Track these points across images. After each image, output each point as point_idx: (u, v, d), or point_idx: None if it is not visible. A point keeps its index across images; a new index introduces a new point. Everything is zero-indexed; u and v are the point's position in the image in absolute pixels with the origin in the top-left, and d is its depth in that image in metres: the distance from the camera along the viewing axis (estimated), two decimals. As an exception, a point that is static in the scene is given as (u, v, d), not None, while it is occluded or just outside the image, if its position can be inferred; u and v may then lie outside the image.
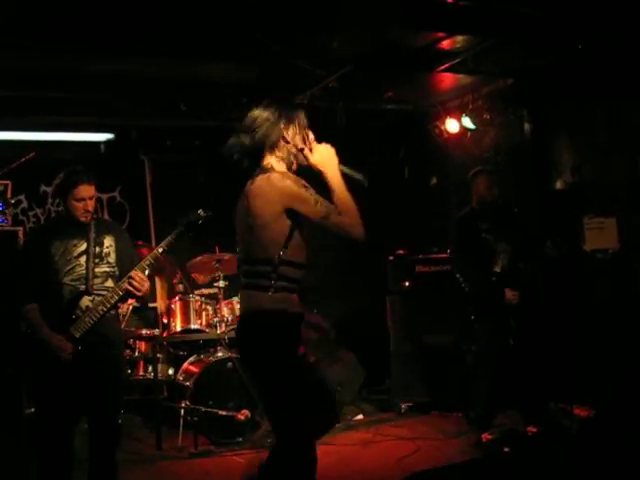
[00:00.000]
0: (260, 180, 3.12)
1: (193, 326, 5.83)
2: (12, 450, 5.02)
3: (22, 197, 6.52)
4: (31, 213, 6.61)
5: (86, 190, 3.84)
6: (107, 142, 6.85)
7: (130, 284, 3.77)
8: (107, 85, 6.03)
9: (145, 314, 6.73)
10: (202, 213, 4.05)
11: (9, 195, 5.65)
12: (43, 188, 6.59)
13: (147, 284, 3.87)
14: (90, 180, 3.85)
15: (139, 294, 3.83)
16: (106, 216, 7.02)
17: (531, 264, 5.19)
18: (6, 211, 5.55)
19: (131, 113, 6.63)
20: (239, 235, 3.23)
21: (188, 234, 4.05)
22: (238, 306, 5.48)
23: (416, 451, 5.07)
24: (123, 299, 4.01)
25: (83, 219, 3.86)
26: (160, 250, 3.88)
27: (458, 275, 5.17)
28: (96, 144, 6.87)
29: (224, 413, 5.38)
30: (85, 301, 3.82)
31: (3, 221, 5.55)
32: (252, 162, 3.23)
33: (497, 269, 5.02)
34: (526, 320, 5.02)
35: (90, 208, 3.87)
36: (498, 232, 5.10)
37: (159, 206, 7.16)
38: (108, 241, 3.96)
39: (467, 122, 6.47)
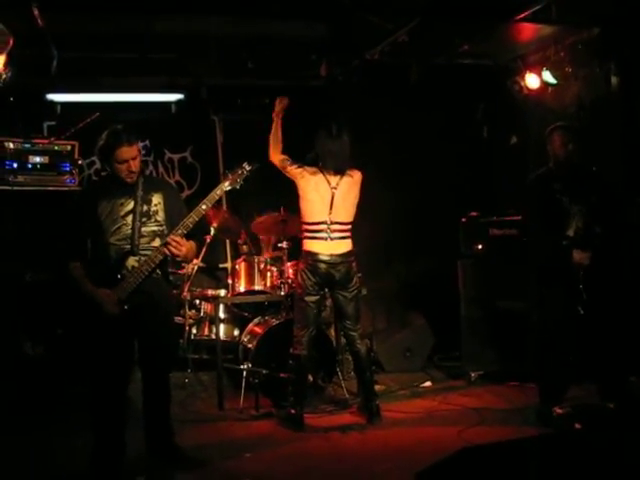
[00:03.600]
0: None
1: (257, 287, 5.78)
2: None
3: (95, 158, 6.61)
4: (104, 174, 6.69)
5: (127, 152, 3.78)
6: (178, 102, 6.82)
7: (167, 248, 3.72)
8: (177, 45, 6.03)
9: (216, 274, 6.78)
10: (247, 166, 3.96)
11: (76, 156, 5.69)
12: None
13: (186, 248, 3.81)
14: (131, 141, 3.79)
15: (178, 258, 3.78)
16: (177, 177, 7.06)
17: (609, 228, 4.80)
18: (73, 171, 5.59)
19: (201, 73, 6.59)
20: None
21: (235, 188, 3.97)
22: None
23: (480, 423, 4.87)
24: (175, 263, 3.98)
25: (129, 180, 3.82)
26: (203, 207, 3.81)
27: (526, 238, 4.86)
28: (167, 104, 6.85)
29: (285, 376, 5.32)
30: (131, 261, 3.80)
31: (71, 181, 5.60)
32: None
33: (570, 232, 4.69)
34: (599, 286, 4.68)
35: (134, 168, 3.82)
36: (573, 193, 4.75)
37: (230, 166, 7.07)
38: (156, 199, 3.92)
39: (548, 76, 6.05)
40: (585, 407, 4.91)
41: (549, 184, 4.82)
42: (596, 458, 3.76)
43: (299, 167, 4.97)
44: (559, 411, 4.77)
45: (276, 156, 5.08)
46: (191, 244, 3.91)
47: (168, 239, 3.76)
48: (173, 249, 3.74)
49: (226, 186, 4.02)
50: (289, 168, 5.00)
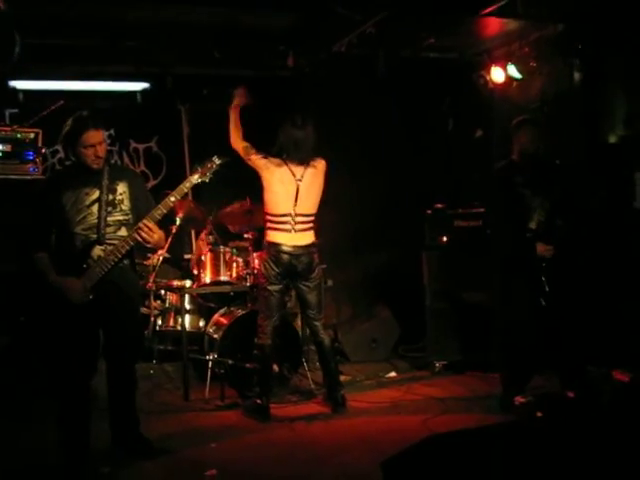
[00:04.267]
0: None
1: (223, 278, 5.76)
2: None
3: (58, 147, 6.52)
4: (68, 163, 6.61)
5: (94, 136, 3.75)
6: (143, 91, 6.76)
7: (138, 234, 3.70)
8: (143, 33, 5.96)
9: (180, 265, 6.74)
10: (217, 160, 3.95)
11: (40, 144, 5.61)
12: (79, 138, 6.56)
13: (157, 234, 3.79)
14: (97, 125, 3.76)
15: (148, 245, 3.76)
16: (142, 167, 7.00)
17: (569, 220, 4.89)
18: (37, 160, 5.51)
19: (167, 62, 6.54)
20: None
21: (203, 181, 3.96)
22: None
23: (444, 412, 4.94)
24: (145, 250, 3.96)
25: (95, 166, 3.79)
26: (172, 199, 3.80)
27: (488, 231, 4.93)
28: (132, 94, 6.78)
29: (251, 366, 5.32)
30: (97, 251, 3.77)
31: (34, 170, 5.53)
32: None
33: (532, 225, 4.76)
34: (561, 278, 4.76)
35: (100, 154, 3.79)
36: (536, 186, 4.81)
37: (196, 156, 7.02)
38: (122, 187, 3.89)
39: (513, 71, 6.14)
40: (546, 396, 5.00)
41: (511, 177, 4.87)
42: (555, 445, 3.84)
43: (263, 158, 4.95)
44: (521, 400, 4.86)
45: (238, 143, 5.03)
46: (161, 232, 3.89)
47: (140, 224, 3.74)
48: (145, 235, 3.73)
49: (195, 179, 4.00)
50: (253, 157, 4.97)
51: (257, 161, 4.95)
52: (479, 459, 3.01)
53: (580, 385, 4.96)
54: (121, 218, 3.86)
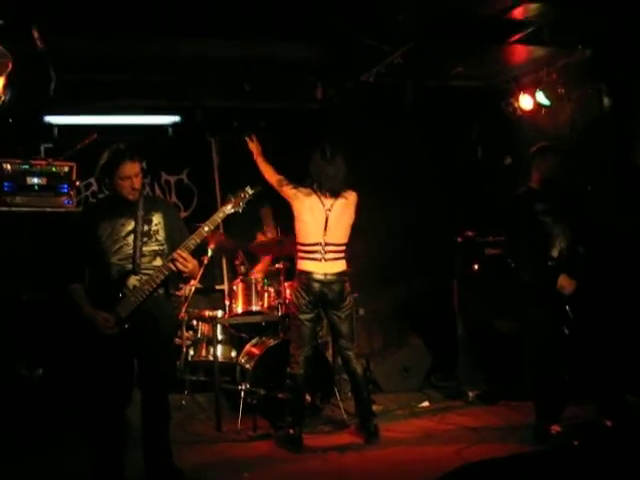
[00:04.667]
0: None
1: (254, 308, 5.78)
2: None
3: (92, 180, 6.64)
4: (101, 196, 6.72)
5: (131, 168, 3.81)
6: (174, 125, 6.87)
7: (173, 264, 3.74)
8: (174, 67, 6.05)
9: (212, 296, 6.77)
10: (249, 190, 3.99)
11: (74, 177, 5.72)
12: (112, 171, 6.66)
13: (192, 264, 3.82)
14: (134, 157, 3.83)
15: (184, 274, 3.80)
16: (174, 198, 7.08)
17: (592, 248, 4.82)
18: (71, 192, 5.62)
19: (198, 95, 6.65)
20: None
21: (237, 211, 4.00)
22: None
23: (478, 442, 4.87)
24: (180, 279, 4.00)
25: (131, 197, 3.84)
26: (206, 229, 3.83)
27: (510, 260, 4.89)
28: (164, 127, 6.89)
29: (283, 396, 5.30)
30: (132, 280, 3.81)
31: (68, 202, 5.63)
32: None
33: (554, 254, 4.71)
34: (585, 307, 4.69)
35: (137, 186, 3.85)
36: (557, 214, 4.77)
37: (226, 188, 7.12)
38: (157, 218, 3.94)
39: (541, 97, 6.14)
40: (582, 425, 4.92)
41: (532, 204, 4.83)
42: (593, 475, 3.76)
43: (294, 188, 5.03)
44: (557, 429, 4.78)
45: (272, 177, 5.15)
46: (195, 261, 3.93)
47: (175, 255, 3.78)
48: (180, 265, 3.77)
49: (229, 209, 4.04)
50: (285, 188, 5.06)
51: (288, 191, 5.03)
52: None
53: (618, 413, 4.87)
54: (156, 248, 3.91)
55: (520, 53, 5.98)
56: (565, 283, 4.66)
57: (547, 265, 4.71)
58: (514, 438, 4.88)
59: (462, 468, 3.43)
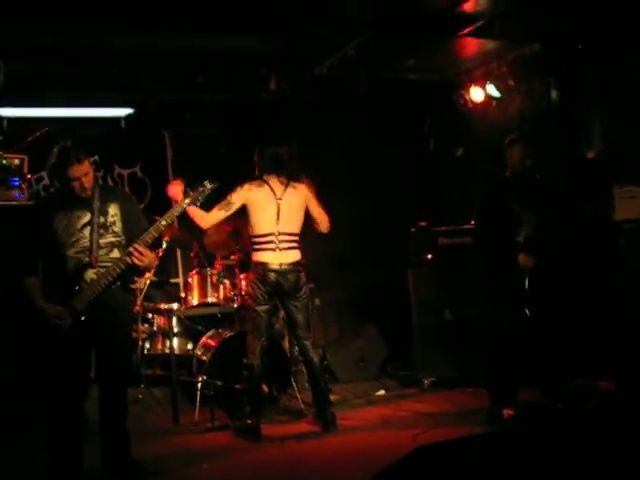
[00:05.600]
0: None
1: (210, 300, 5.77)
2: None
3: (43, 174, 6.53)
4: (52, 190, 6.62)
5: (78, 170, 3.77)
6: (127, 117, 6.78)
7: (130, 258, 3.73)
8: (127, 60, 5.99)
9: (167, 289, 6.74)
10: (208, 185, 3.99)
11: (25, 170, 5.63)
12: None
13: (148, 258, 3.82)
14: (81, 158, 3.78)
15: (140, 268, 3.79)
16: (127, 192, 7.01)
17: (556, 234, 4.98)
18: (22, 186, 5.53)
19: (151, 88, 6.58)
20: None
21: (195, 205, 4.00)
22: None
23: (434, 427, 4.96)
24: (136, 273, 3.98)
25: (83, 195, 3.82)
26: (163, 223, 3.83)
27: (475, 243, 5.02)
28: (116, 119, 6.80)
29: (240, 387, 5.32)
30: (89, 273, 3.79)
31: (20, 195, 5.54)
32: None
33: (520, 239, 4.85)
34: (544, 290, 4.84)
35: (86, 185, 3.82)
36: (526, 202, 4.91)
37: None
38: (113, 209, 3.92)
39: (492, 90, 6.28)
40: (534, 407, 5.05)
41: (503, 192, 4.99)
42: (543, 453, 3.88)
43: (240, 186, 5.00)
44: (509, 412, 4.91)
45: (213, 217, 4.92)
46: (152, 254, 3.92)
47: (131, 249, 3.77)
48: (136, 258, 3.75)
49: (186, 203, 4.04)
50: (233, 198, 4.95)
51: (239, 194, 4.98)
52: (465, 469, 3.06)
53: (567, 396, 5.02)
54: (113, 240, 3.89)
55: (471, 46, 6.09)
56: (523, 259, 4.80)
57: (509, 247, 4.84)
58: (468, 422, 4.97)
59: (415, 451, 3.49)
